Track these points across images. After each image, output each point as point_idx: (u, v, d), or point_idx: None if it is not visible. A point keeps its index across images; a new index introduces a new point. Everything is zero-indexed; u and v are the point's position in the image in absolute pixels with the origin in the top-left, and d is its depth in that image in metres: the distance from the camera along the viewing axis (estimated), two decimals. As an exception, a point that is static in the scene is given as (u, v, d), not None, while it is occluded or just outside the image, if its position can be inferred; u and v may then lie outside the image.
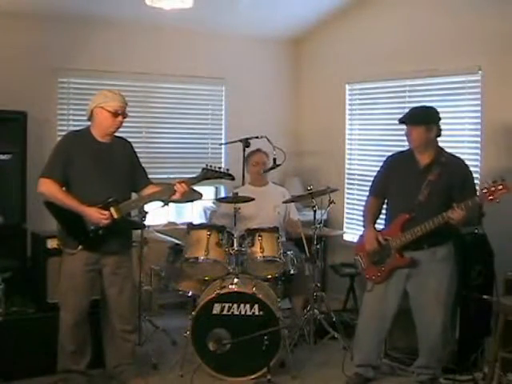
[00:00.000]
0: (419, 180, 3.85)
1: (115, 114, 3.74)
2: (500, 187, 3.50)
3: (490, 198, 3.52)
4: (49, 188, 3.69)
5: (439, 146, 3.92)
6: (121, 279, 3.88)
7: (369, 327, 4.06)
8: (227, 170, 4.00)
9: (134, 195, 4.00)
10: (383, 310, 4.00)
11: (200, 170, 3.93)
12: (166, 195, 3.84)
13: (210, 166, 3.91)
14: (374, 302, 4.03)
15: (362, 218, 4.21)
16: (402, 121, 3.93)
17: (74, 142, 3.83)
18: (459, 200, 3.66)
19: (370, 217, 4.09)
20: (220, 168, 3.97)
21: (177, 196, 3.80)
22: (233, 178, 4.05)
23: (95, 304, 3.93)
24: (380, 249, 3.95)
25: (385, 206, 4.14)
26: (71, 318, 3.78)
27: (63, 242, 3.82)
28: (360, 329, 4.13)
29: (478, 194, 3.63)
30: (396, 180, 3.99)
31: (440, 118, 3.90)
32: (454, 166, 3.85)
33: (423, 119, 3.86)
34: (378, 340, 4.08)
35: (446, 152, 3.92)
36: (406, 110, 4.06)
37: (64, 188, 3.73)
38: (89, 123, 3.86)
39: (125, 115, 3.80)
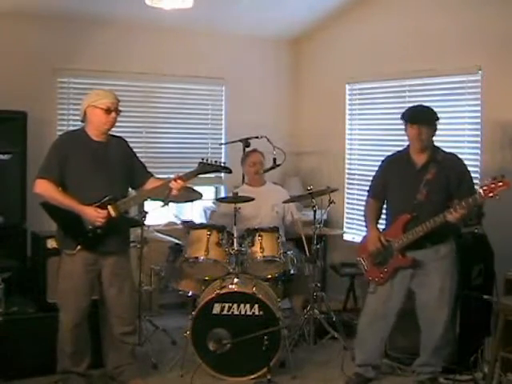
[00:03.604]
0: (417, 180, 3.86)
1: (108, 111, 3.73)
2: (500, 184, 3.52)
3: (490, 194, 3.54)
4: (46, 188, 3.67)
5: (435, 145, 3.94)
6: (120, 280, 3.87)
7: (372, 327, 4.05)
8: (224, 163, 3.98)
9: (134, 192, 3.99)
10: (387, 309, 3.99)
11: (197, 165, 3.91)
12: (164, 192, 3.81)
13: (207, 160, 3.90)
14: (377, 302, 4.03)
15: (363, 219, 4.22)
16: (413, 121, 3.85)
17: (69, 141, 3.82)
18: (458, 196, 3.70)
19: (372, 217, 4.09)
20: (216, 162, 3.94)
21: (173, 193, 3.78)
22: (230, 171, 4.02)
23: (95, 304, 3.92)
24: (383, 250, 3.95)
25: (385, 207, 4.14)
26: (71, 319, 3.76)
27: (61, 243, 3.81)
28: (362, 329, 4.12)
29: (477, 191, 3.63)
30: (394, 181, 4.01)
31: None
32: (450, 164, 3.88)
33: (434, 120, 3.88)
34: (381, 338, 4.07)
35: (441, 150, 3.94)
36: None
37: (60, 188, 3.71)
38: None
39: (118, 111, 3.78)
